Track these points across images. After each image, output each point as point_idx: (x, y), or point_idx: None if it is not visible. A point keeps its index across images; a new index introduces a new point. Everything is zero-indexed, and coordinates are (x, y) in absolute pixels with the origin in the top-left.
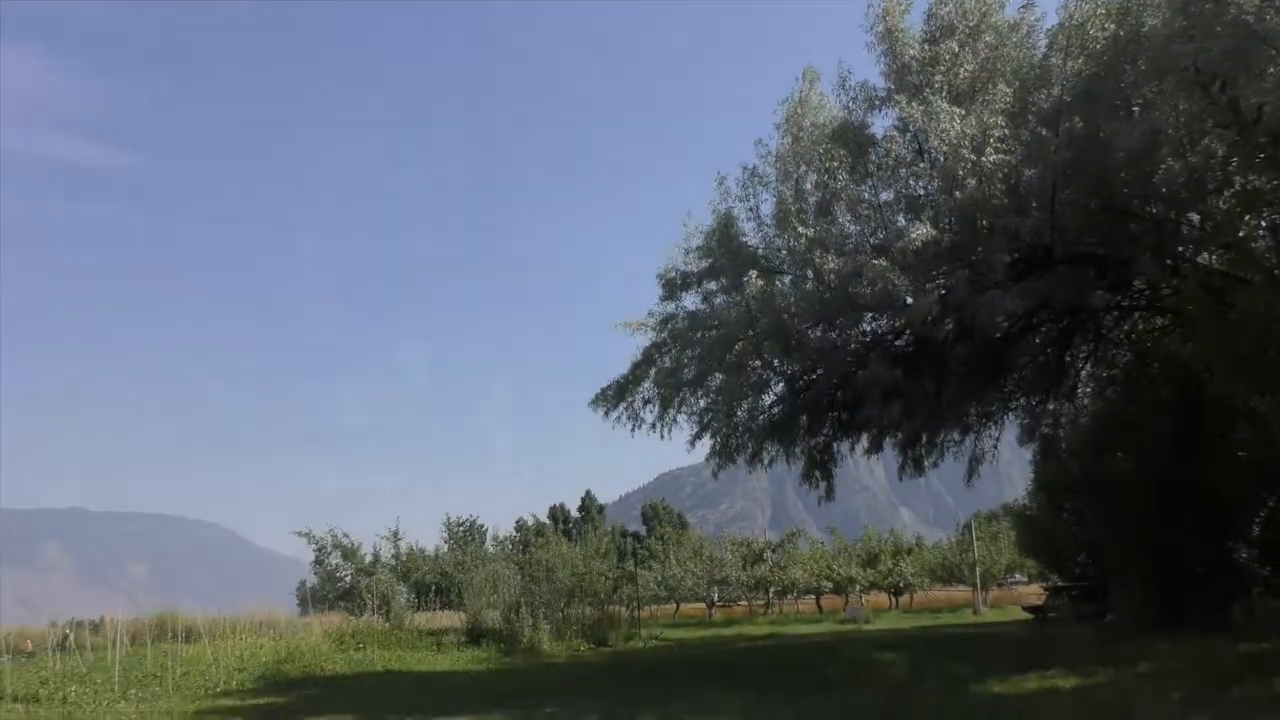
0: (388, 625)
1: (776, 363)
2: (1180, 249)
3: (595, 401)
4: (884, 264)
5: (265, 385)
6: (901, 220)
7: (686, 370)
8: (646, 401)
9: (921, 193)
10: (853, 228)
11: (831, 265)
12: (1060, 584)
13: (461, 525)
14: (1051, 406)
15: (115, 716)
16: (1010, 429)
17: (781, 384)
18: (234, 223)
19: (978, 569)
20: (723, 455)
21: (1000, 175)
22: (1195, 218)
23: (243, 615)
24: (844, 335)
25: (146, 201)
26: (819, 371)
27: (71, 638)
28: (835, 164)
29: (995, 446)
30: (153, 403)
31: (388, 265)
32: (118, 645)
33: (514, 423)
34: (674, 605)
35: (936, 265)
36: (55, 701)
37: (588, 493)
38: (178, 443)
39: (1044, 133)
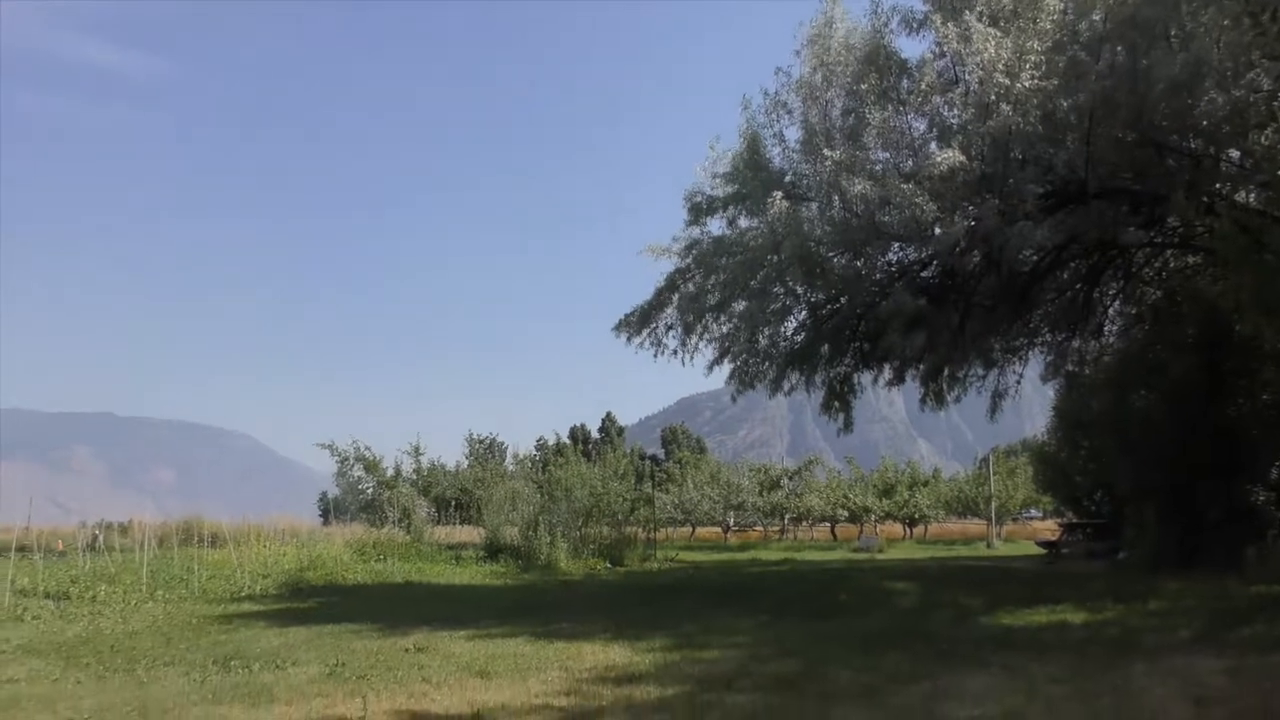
0: (408, 538)
1: (800, 290)
2: (1217, 186)
3: (619, 327)
4: (912, 189)
5: (294, 298)
6: (933, 148)
7: (710, 295)
8: (669, 327)
9: (954, 121)
10: (882, 154)
11: (858, 190)
12: (1075, 520)
13: (482, 442)
14: (1077, 343)
15: (143, 616)
16: (1034, 364)
17: (804, 311)
18: (262, 132)
19: (993, 503)
20: (742, 381)
21: (1035, 103)
22: (1235, 154)
23: (266, 523)
24: (869, 264)
25: (174, 107)
26: (842, 300)
27: (101, 539)
28: (865, 88)
29: (1018, 382)
30: (179, 311)
31: (415, 175)
32: (145, 547)
33: (539, 343)
34: (690, 528)
35: (966, 195)
36: (85, 600)
37: (608, 415)
38: (204, 353)
39: (1084, 58)
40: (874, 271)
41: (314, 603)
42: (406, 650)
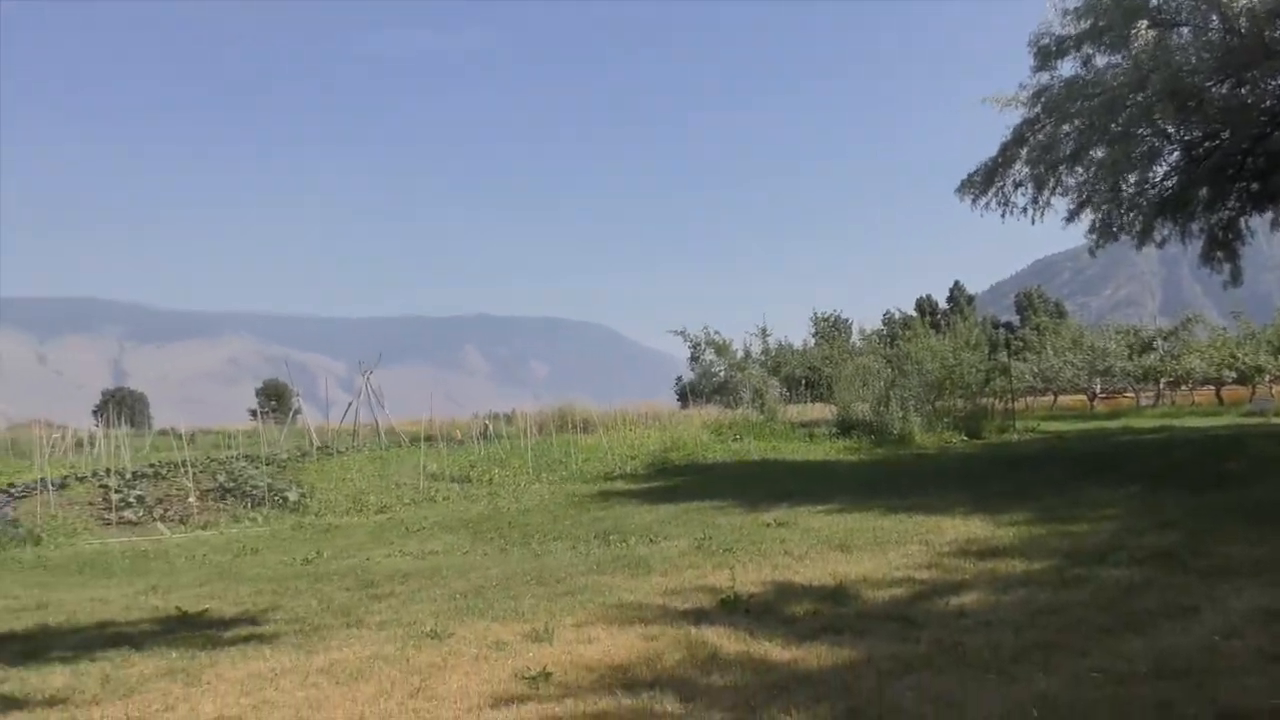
0: (761, 417)
1: (1171, 128)
2: None
3: (962, 188)
4: None
5: (649, 196)
6: None
7: (1063, 145)
8: (1018, 184)
9: None
10: None
11: (1243, 4)
12: None
13: (827, 320)
14: None
15: (531, 496)
16: None
17: (1176, 152)
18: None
19: None
20: (1103, 234)
21: None
22: None
23: (630, 408)
24: (1257, 90)
25: (517, 30)
26: (1224, 135)
27: (490, 428)
28: None
29: None
30: (540, 219)
31: (753, 74)
32: (527, 435)
33: (881, 215)
34: (1051, 397)
35: None
36: (483, 482)
37: (956, 283)
38: (566, 252)
39: None
40: (1263, 99)
41: (678, 481)
42: (768, 525)
